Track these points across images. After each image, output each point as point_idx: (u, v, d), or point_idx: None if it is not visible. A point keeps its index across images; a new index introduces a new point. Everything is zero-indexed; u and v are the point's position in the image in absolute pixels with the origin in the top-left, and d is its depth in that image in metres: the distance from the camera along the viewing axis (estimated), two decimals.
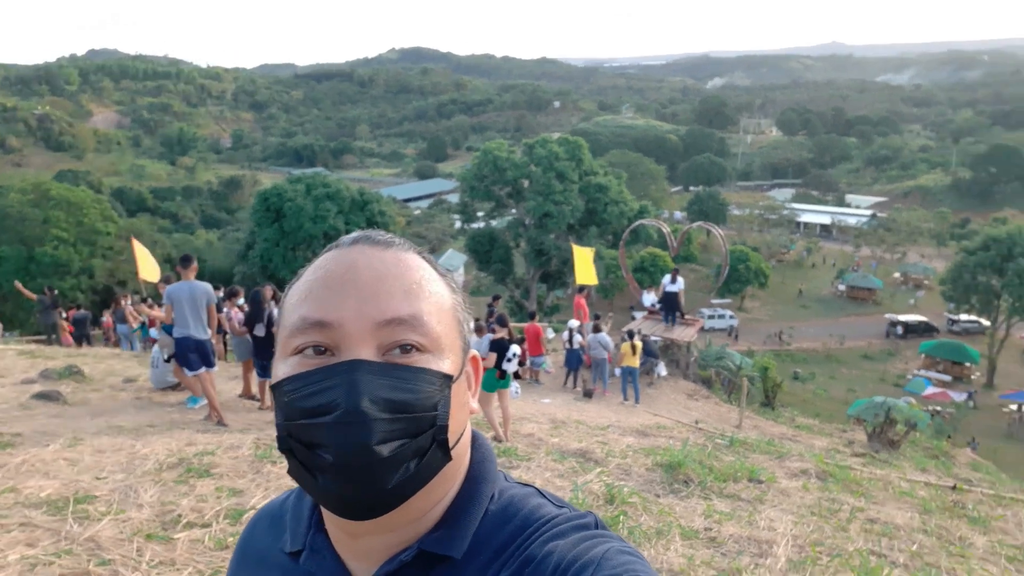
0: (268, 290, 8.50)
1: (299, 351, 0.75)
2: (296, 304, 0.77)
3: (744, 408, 12.29)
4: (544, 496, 0.83)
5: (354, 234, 0.82)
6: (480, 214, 44.13)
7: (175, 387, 8.77)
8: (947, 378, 37.85)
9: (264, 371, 8.22)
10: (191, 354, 7.23)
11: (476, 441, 0.86)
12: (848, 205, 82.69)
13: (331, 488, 0.71)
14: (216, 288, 10.33)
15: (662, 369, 15.05)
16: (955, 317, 44.94)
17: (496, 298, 16.63)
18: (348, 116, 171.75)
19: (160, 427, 6.83)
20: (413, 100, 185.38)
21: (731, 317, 44.64)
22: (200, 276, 7.75)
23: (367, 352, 0.73)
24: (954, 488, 7.13)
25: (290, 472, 0.74)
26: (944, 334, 44.55)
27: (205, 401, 7.56)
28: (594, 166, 43.09)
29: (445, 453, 0.75)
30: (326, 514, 0.81)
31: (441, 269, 0.84)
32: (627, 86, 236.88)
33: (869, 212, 74.23)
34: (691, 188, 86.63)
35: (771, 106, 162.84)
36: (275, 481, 4.59)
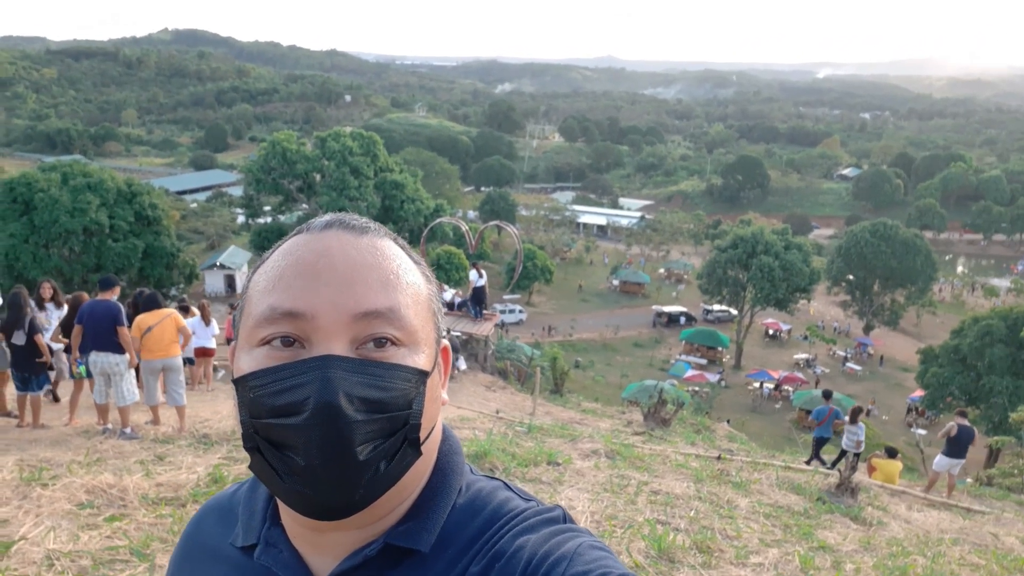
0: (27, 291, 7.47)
1: (266, 342, 0.70)
2: (264, 291, 0.71)
3: (537, 396, 12.92)
4: (511, 490, 0.82)
5: (326, 217, 0.76)
6: (267, 208, 42.00)
7: None
8: (703, 361, 42.17)
9: (25, 384, 7.19)
10: None
11: (444, 433, 0.84)
12: (621, 207, 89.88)
13: (299, 490, 0.67)
14: None
15: (462, 363, 15.41)
16: (709, 307, 50.04)
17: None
18: (112, 99, 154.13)
19: None
20: (189, 85, 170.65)
21: (520, 311, 46.65)
22: None
23: (340, 346, 0.68)
24: (719, 458, 8.10)
25: (252, 468, 0.70)
26: (701, 323, 49.53)
27: None
28: (390, 163, 42.72)
29: (416, 450, 0.72)
30: (283, 508, 0.76)
31: (416, 256, 0.79)
32: (419, 85, 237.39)
33: (639, 214, 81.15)
34: (482, 188, 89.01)
35: (554, 113, 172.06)
36: (47, 506, 4.09)
